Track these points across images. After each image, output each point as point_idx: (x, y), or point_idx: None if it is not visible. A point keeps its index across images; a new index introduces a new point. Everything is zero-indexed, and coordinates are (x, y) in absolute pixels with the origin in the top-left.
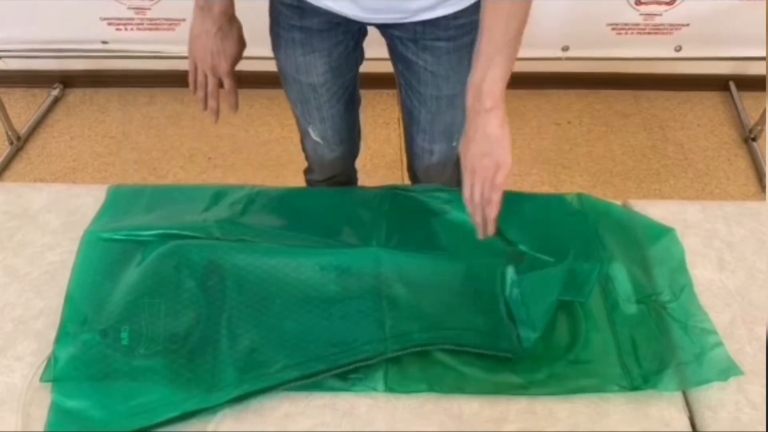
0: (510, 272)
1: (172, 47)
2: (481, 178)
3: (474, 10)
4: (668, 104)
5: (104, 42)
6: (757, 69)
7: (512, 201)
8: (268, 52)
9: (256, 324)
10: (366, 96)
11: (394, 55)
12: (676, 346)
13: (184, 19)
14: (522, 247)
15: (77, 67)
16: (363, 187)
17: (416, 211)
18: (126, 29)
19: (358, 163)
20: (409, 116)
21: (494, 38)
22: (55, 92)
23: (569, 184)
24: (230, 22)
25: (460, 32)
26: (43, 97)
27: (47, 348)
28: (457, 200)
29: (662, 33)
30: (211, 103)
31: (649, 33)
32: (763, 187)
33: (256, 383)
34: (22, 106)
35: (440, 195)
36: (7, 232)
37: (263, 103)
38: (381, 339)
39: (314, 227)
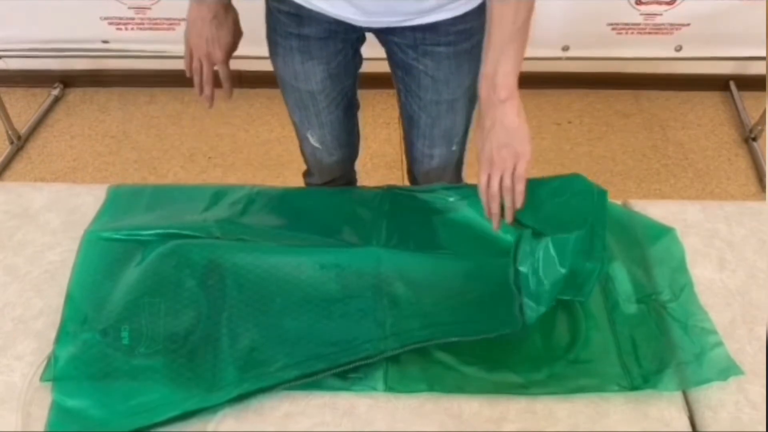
0: (525, 236)
1: (172, 47)
2: (499, 169)
3: (474, 17)
4: (669, 104)
5: (105, 41)
6: (757, 69)
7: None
8: (267, 51)
9: (256, 323)
10: (366, 96)
11: (393, 61)
12: (676, 346)
13: (184, 19)
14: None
15: (78, 66)
16: (363, 187)
17: (416, 210)
18: (126, 29)
19: (358, 165)
20: (408, 121)
21: (504, 29)
22: (55, 92)
23: None
24: (226, 10)
25: (460, 38)
26: (44, 96)
27: (47, 347)
28: (458, 198)
29: (662, 33)
30: (206, 89)
31: (649, 33)
32: (764, 187)
33: (256, 382)
34: (23, 106)
35: (441, 194)
36: (7, 232)
37: (263, 103)
38: (381, 338)
39: (314, 227)
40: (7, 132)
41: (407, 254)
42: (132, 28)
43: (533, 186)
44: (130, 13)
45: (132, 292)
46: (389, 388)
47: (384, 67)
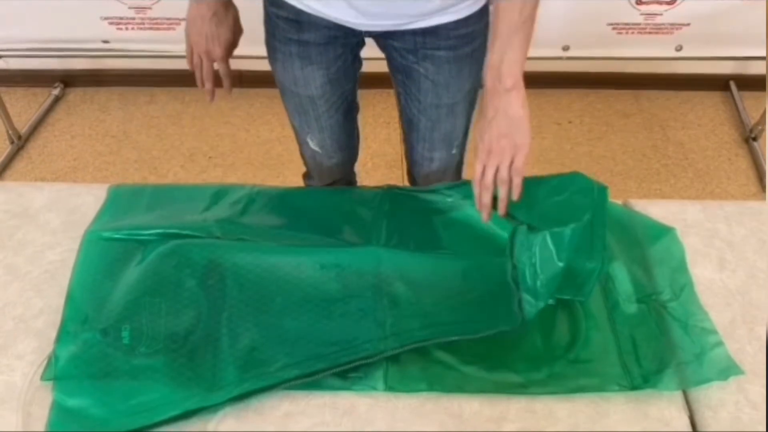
0: (521, 231)
1: (172, 47)
2: (497, 160)
3: (476, 20)
4: (669, 104)
5: (105, 41)
6: (757, 68)
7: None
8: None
9: (256, 323)
10: (366, 96)
11: (393, 66)
12: (677, 346)
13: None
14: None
15: (78, 66)
16: (363, 187)
17: (417, 210)
18: (127, 29)
19: (357, 167)
20: (408, 124)
21: (510, 19)
22: (55, 91)
23: None
24: (226, 7)
25: (461, 42)
26: (44, 96)
27: (48, 347)
28: (458, 198)
29: (663, 33)
30: (207, 84)
31: (649, 33)
32: (764, 187)
33: (256, 382)
34: (23, 106)
35: (441, 193)
36: (7, 231)
37: (264, 102)
38: (381, 337)
39: (315, 226)
40: (7, 131)
41: (407, 254)
42: (132, 28)
43: (532, 184)
44: (131, 13)
45: (132, 292)
46: (389, 388)
47: (384, 67)
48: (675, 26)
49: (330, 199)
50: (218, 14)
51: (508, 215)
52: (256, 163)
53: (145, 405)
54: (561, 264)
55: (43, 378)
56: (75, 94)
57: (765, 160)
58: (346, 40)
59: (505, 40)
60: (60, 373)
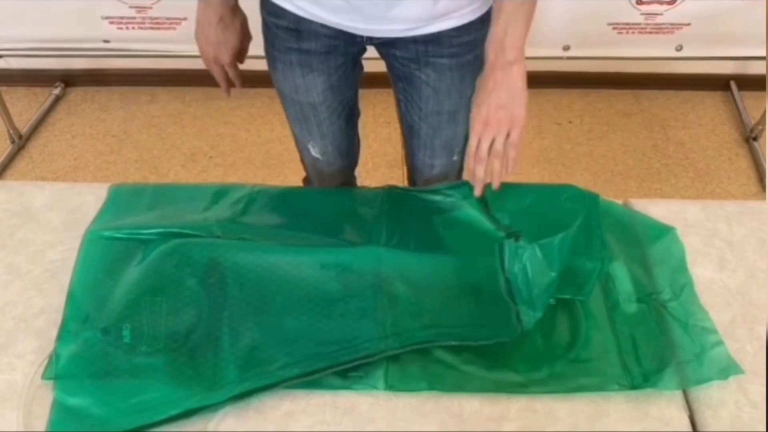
0: (509, 246)
1: (173, 46)
2: (492, 131)
3: (477, 27)
4: (669, 104)
5: (106, 41)
6: (757, 68)
7: (509, 191)
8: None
9: (257, 322)
10: (366, 96)
11: (394, 74)
12: (677, 345)
13: (185, 18)
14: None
15: (79, 65)
16: (363, 187)
17: (417, 210)
18: (127, 28)
19: (357, 170)
20: (409, 131)
21: None
22: (56, 91)
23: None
24: (233, 13)
25: (463, 50)
26: (45, 95)
27: (49, 346)
28: (459, 198)
29: (663, 32)
30: (221, 85)
31: (650, 32)
32: (764, 187)
33: (257, 381)
34: (24, 105)
35: (441, 193)
36: (8, 230)
37: (264, 102)
38: (381, 337)
39: (315, 226)
40: (8, 131)
41: (408, 254)
42: (133, 28)
43: (525, 191)
44: (131, 13)
45: (133, 291)
46: (390, 387)
47: (384, 67)
48: (675, 26)
49: (330, 198)
50: (225, 19)
51: (497, 222)
52: (256, 162)
53: (146, 404)
54: (554, 274)
55: (43, 377)
56: (76, 94)
57: (765, 159)
58: (347, 49)
59: (510, 14)
60: (61, 372)
